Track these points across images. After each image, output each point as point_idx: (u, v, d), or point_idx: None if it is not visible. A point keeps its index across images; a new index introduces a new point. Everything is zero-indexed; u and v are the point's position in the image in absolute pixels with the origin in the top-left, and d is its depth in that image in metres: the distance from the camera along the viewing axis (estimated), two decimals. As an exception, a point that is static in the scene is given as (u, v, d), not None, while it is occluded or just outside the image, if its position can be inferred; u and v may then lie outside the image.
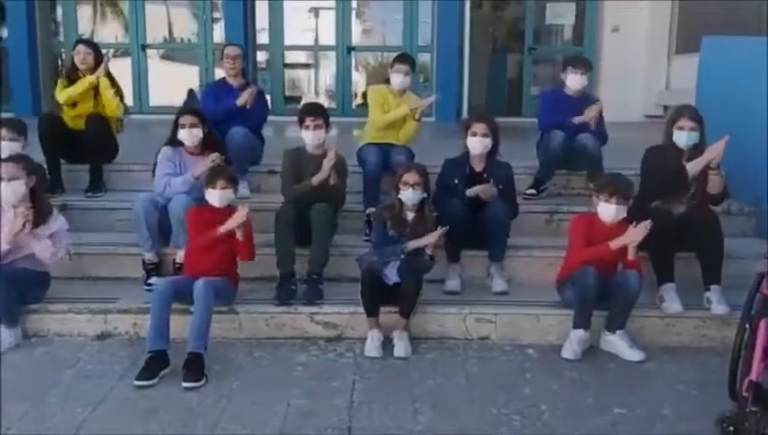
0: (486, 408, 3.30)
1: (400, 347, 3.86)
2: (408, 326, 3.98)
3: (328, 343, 4.03)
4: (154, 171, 4.60)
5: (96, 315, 4.08)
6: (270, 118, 5.82)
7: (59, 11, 10.54)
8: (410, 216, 4.15)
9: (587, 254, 3.94)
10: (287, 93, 11.08)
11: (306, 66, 12.02)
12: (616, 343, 3.92)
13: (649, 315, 4.08)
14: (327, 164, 4.36)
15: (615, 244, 3.86)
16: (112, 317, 4.08)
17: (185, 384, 3.44)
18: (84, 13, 10.78)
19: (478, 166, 4.55)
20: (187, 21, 11.14)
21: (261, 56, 10.73)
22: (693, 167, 4.23)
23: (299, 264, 4.25)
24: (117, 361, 3.77)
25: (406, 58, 5.25)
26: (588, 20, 10.39)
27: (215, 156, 4.39)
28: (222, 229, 3.93)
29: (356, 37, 10.77)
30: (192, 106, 5.66)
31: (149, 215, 4.36)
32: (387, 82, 5.23)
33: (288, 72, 11.31)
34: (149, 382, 3.46)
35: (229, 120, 5.25)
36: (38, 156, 4.74)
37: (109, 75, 5.45)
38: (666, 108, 9.14)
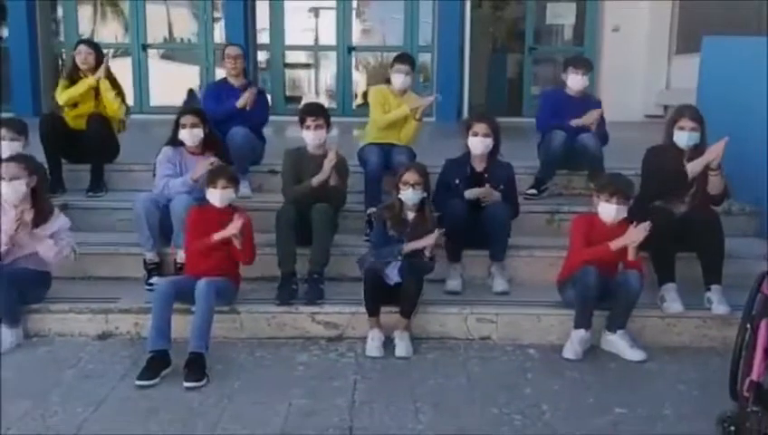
0: (487, 408, 3.31)
1: (401, 347, 3.86)
2: (410, 326, 3.98)
3: (329, 342, 4.03)
4: (155, 171, 4.60)
5: (97, 315, 4.08)
6: (270, 118, 5.82)
7: (59, 11, 10.54)
8: (411, 215, 4.15)
9: (587, 254, 3.94)
10: (288, 93, 11.08)
11: (307, 66, 12.03)
12: (617, 342, 3.92)
13: (650, 315, 4.08)
14: (327, 165, 4.37)
15: (615, 244, 3.86)
16: (113, 317, 4.08)
17: (186, 384, 3.44)
18: (85, 12, 10.79)
19: (479, 166, 4.56)
20: (187, 21, 11.15)
21: (261, 56, 10.74)
22: (693, 167, 4.23)
23: (300, 264, 4.25)
24: (118, 360, 3.77)
25: (406, 58, 5.25)
26: (588, 20, 10.41)
27: (213, 159, 4.38)
28: (216, 237, 3.92)
29: (356, 37, 10.77)
30: (193, 106, 5.67)
31: (151, 215, 4.36)
32: (387, 82, 5.23)
33: (288, 72, 11.31)
34: (151, 382, 3.46)
35: (230, 120, 5.25)
36: (39, 156, 4.73)
37: (110, 76, 5.46)
38: (666, 108, 9.16)
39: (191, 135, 4.57)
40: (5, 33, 10.22)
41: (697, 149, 4.29)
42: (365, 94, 10.60)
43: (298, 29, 11.15)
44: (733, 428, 2.84)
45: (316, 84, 11.88)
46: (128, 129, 5.71)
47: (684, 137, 4.31)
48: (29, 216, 3.99)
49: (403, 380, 3.60)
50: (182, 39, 11.43)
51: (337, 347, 3.98)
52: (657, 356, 3.90)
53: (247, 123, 5.28)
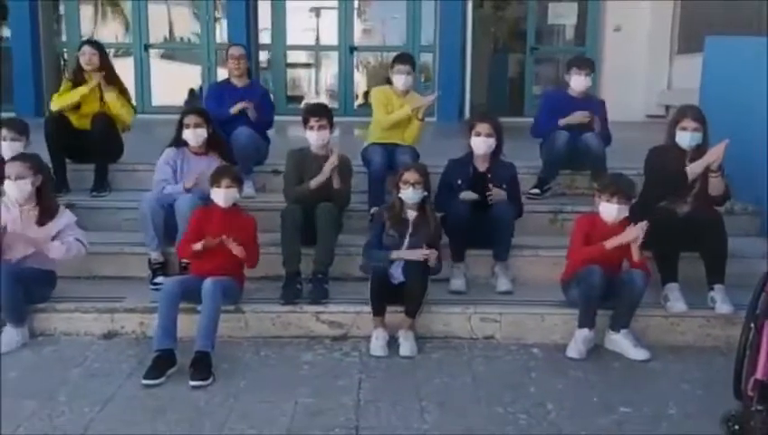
0: (493, 407, 3.32)
1: (406, 346, 3.88)
2: (414, 326, 4.00)
3: (334, 341, 4.05)
4: (157, 172, 4.63)
5: (103, 314, 4.09)
6: (270, 117, 5.83)
7: (62, 11, 10.54)
8: (412, 215, 4.16)
9: (585, 252, 3.96)
10: (289, 93, 11.10)
11: (308, 66, 12.05)
12: (620, 342, 3.93)
13: (654, 315, 4.10)
14: (327, 167, 4.38)
15: (610, 243, 3.89)
16: (119, 316, 4.10)
17: (192, 383, 3.46)
18: (87, 12, 10.79)
19: (482, 166, 4.57)
20: (189, 21, 11.16)
21: (263, 56, 10.74)
22: (693, 169, 4.24)
23: (304, 263, 4.27)
24: (124, 359, 3.78)
25: (406, 58, 5.26)
26: (590, 20, 10.42)
27: (201, 172, 4.39)
28: (197, 247, 3.94)
29: (358, 37, 10.78)
30: (196, 106, 5.68)
31: (156, 214, 4.38)
32: (388, 82, 5.24)
33: (290, 72, 11.33)
34: (157, 381, 3.48)
35: (235, 120, 5.27)
36: (43, 155, 4.74)
37: (118, 83, 5.47)
38: (667, 108, 9.17)
39: (195, 135, 4.59)
40: (7, 32, 10.22)
41: (699, 150, 4.30)
42: (366, 94, 10.64)
43: (299, 29, 11.17)
44: (737, 427, 2.86)
45: (318, 84, 11.90)
46: (131, 129, 5.71)
47: (686, 137, 4.32)
48: (33, 215, 4.01)
49: (408, 379, 3.61)
50: (182, 39, 11.44)
51: (341, 346, 3.99)
52: (661, 355, 3.91)
53: (252, 124, 5.30)
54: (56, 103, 5.36)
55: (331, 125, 4.61)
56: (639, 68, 9.86)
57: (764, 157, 4.92)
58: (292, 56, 11.32)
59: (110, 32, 11.06)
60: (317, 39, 11.61)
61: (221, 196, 4.06)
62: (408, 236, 4.14)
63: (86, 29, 10.63)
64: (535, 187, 5.24)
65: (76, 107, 5.36)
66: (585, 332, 3.89)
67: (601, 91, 8.96)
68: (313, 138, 4.53)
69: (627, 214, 4.00)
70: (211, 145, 4.70)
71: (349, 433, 3.07)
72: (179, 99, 10.70)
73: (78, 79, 5.39)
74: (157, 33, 10.71)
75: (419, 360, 3.83)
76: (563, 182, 5.41)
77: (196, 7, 10.78)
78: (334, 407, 3.29)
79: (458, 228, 4.38)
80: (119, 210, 5.02)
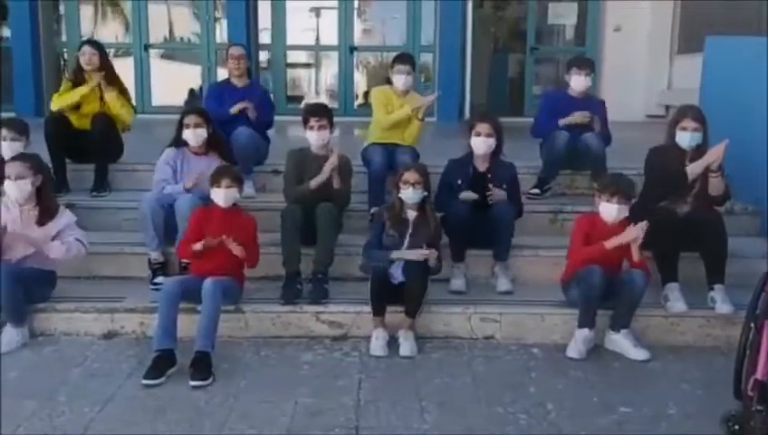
0: (493, 407, 3.32)
1: (406, 346, 3.88)
2: (414, 326, 4.00)
3: (333, 341, 4.05)
4: (158, 172, 4.63)
5: (103, 314, 4.09)
6: (270, 117, 5.83)
7: (62, 10, 10.54)
8: (412, 215, 4.17)
9: (585, 252, 3.97)
10: (289, 93, 11.10)
11: (308, 66, 12.05)
12: (620, 342, 3.93)
13: (654, 314, 4.10)
14: (327, 167, 4.38)
15: (610, 243, 3.90)
16: (119, 316, 4.10)
17: (192, 383, 3.46)
18: (87, 12, 10.79)
19: (482, 166, 4.57)
20: (189, 21, 11.16)
21: (263, 56, 10.74)
22: (693, 169, 4.24)
23: (304, 263, 4.27)
24: (124, 359, 3.78)
25: (406, 58, 5.26)
26: (590, 20, 10.42)
27: (201, 172, 4.40)
28: (197, 247, 3.94)
29: (358, 37, 10.78)
30: (196, 106, 5.69)
31: (156, 214, 4.38)
32: (388, 82, 5.24)
33: (290, 72, 11.33)
34: (157, 381, 3.48)
35: (234, 120, 5.27)
36: (43, 155, 4.74)
37: (118, 83, 5.47)
38: (667, 108, 9.17)
39: (195, 135, 4.59)
40: (7, 32, 10.22)
41: (699, 150, 4.30)
42: (366, 94, 10.65)
43: (299, 29, 11.17)
44: (737, 427, 2.87)
45: (317, 84, 11.91)
46: (130, 129, 5.71)
47: (686, 137, 4.32)
48: (33, 215, 4.02)
49: (408, 379, 3.61)
50: (182, 39, 11.44)
51: (341, 346, 3.99)
52: (661, 355, 3.91)
53: (252, 124, 5.30)
54: (56, 103, 5.36)
55: (332, 125, 4.62)
56: (639, 68, 9.86)
57: (764, 157, 4.92)
58: (292, 56, 11.32)
59: (110, 32, 11.06)
60: (317, 39, 11.61)
61: (221, 196, 4.06)
62: (408, 236, 4.14)
63: (86, 29, 10.64)
64: (535, 187, 5.24)
65: (76, 107, 5.36)
66: (585, 332, 3.89)
67: (601, 91, 8.96)
68: (313, 138, 4.53)
69: (627, 214, 4.00)
70: (211, 145, 4.70)
71: (349, 433, 3.07)
72: (179, 99, 10.70)
73: (78, 79, 5.39)
74: (157, 33, 10.71)
75: (419, 360, 3.83)
76: (563, 182, 5.41)
77: (196, 7, 10.78)
78: (334, 407, 3.29)
79: (458, 228, 4.38)
80: (119, 210, 5.02)
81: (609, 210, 3.98)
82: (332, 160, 4.39)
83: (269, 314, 4.10)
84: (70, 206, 4.46)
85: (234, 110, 5.33)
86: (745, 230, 4.95)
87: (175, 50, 11.49)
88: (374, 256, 4.14)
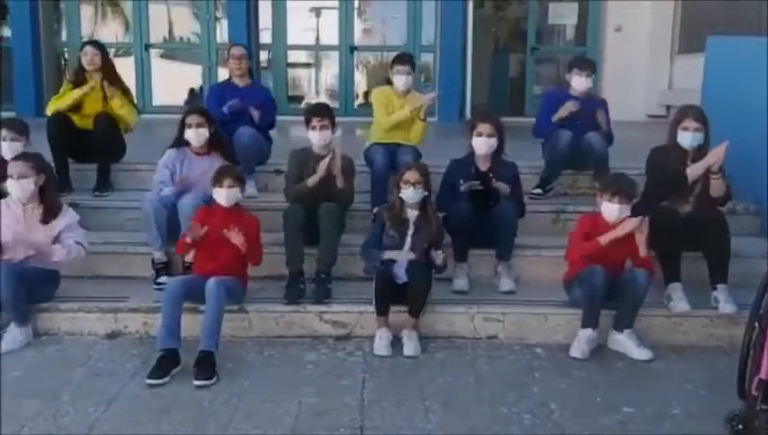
0: (496, 407, 3.32)
1: (410, 346, 3.88)
2: (418, 325, 4.00)
3: (337, 341, 4.05)
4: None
5: (106, 314, 4.10)
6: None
7: (62, 10, 10.53)
8: (413, 215, 4.17)
9: (583, 248, 3.99)
10: (290, 93, 11.11)
11: (309, 66, 12.05)
12: (624, 341, 3.94)
13: (657, 314, 4.10)
14: (322, 165, 4.38)
15: (605, 238, 3.92)
16: (122, 316, 4.10)
17: (196, 383, 3.46)
18: (87, 12, 10.78)
19: (484, 166, 4.57)
20: (189, 20, 11.16)
21: (263, 56, 10.74)
22: (694, 170, 4.25)
23: (307, 263, 4.27)
24: (128, 359, 3.79)
25: (406, 58, 5.26)
26: (591, 20, 10.43)
27: (186, 175, 4.45)
28: (188, 238, 3.95)
29: (358, 37, 10.78)
30: (198, 106, 5.69)
31: (159, 214, 4.38)
32: (389, 82, 5.24)
33: (291, 72, 11.34)
34: (161, 381, 3.48)
35: (237, 120, 5.27)
36: (45, 155, 4.74)
37: (119, 83, 5.47)
38: (668, 108, 9.17)
39: (197, 135, 4.60)
40: (8, 32, 10.21)
41: (701, 150, 4.30)
42: (366, 94, 10.65)
43: (300, 29, 11.17)
44: (741, 426, 2.85)
45: (318, 84, 11.91)
46: (133, 129, 5.71)
47: (687, 137, 4.32)
48: (37, 214, 4.02)
49: (412, 379, 3.61)
50: (182, 38, 11.43)
51: (345, 346, 4.00)
52: (664, 355, 3.91)
53: (254, 124, 5.30)
54: (51, 107, 5.36)
55: (334, 125, 4.62)
56: (640, 68, 9.85)
57: (765, 157, 4.92)
58: (293, 56, 11.32)
59: (111, 31, 11.06)
60: (317, 39, 11.62)
61: (223, 195, 4.06)
62: (409, 236, 4.15)
63: (86, 29, 10.63)
64: (537, 187, 5.24)
65: (78, 107, 5.35)
66: (588, 332, 3.89)
67: (602, 91, 8.97)
68: (315, 138, 4.53)
69: (628, 214, 4.00)
70: (213, 145, 4.70)
71: (353, 433, 3.07)
72: (180, 99, 10.71)
73: (80, 79, 5.39)
74: (157, 32, 10.70)
75: (423, 360, 3.84)
76: (565, 182, 5.42)
77: (196, 7, 10.78)
78: (338, 407, 3.29)
79: (461, 228, 4.39)
80: (121, 210, 5.02)
81: (611, 210, 3.99)
82: (326, 160, 4.38)
83: (272, 314, 4.10)
84: (73, 205, 4.45)
85: (225, 108, 5.29)
86: (747, 230, 4.95)
87: (175, 50, 11.49)
88: (369, 256, 4.16)
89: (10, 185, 4.01)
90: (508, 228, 4.43)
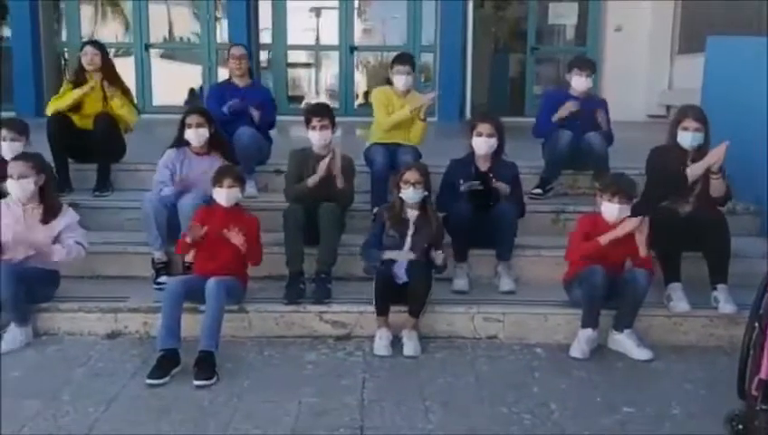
0: (497, 407, 3.32)
1: (410, 346, 3.88)
2: (418, 325, 4.00)
3: (337, 341, 4.05)
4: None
5: (106, 314, 4.10)
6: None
7: (62, 10, 10.53)
8: (413, 215, 4.17)
9: (583, 248, 3.99)
10: (290, 93, 11.11)
11: (309, 66, 12.05)
12: (624, 341, 3.94)
13: (657, 314, 4.10)
14: (322, 165, 4.38)
15: (604, 238, 3.92)
16: (122, 316, 4.10)
17: (196, 382, 3.46)
18: (87, 12, 10.78)
19: (484, 166, 4.57)
20: (189, 20, 11.16)
21: (263, 56, 10.74)
22: (693, 171, 4.25)
23: (307, 263, 4.27)
24: (128, 359, 3.79)
25: (406, 58, 5.26)
26: (591, 20, 10.43)
27: (186, 175, 4.44)
28: (188, 238, 3.94)
29: (358, 37, 10.78)
30: (198, 106, 5.69)
31: (159, 214, 4.38)
32: (389, 82, 5.24)
33: (291, 72, 11.34)
34: (161, 381, 3.48)
35: (237, 120, 5.27)
36: (45, 155, 4.74)
37: (120, 84, 5.47)
38: (668, 108, 9.17)
39: (197, 135, 4.60)
40: (8, 32, 10.21)
41: (701, 150, 4.30)
42: (366, 94, 10.65)
43: (300, 29, 11.18)
44: (741, 426, 2.85)
45: (318, 84, 11.91)
46: (133, 129, 5.71)
47: (687, 137, 4.32)
48: (37, 214, 4.02)
49: (412, 379, 3.61)
50: (182, 38, 11.43)
51: (345, 346, 4.00)
52: (664, 355, 3.91)
53: (254, 124, 5.30)
54: (51, 107, 5.36)
55: (333, 125, 4.62)
56: (640, 68, 9.85)
57: (765, 157, 4.93)
58: (293, 56, 11.32)
59: (111, 31, 11.06)
60: (317, 39, 11.62)
61: (223, 195, 4.06)
62: (409, 236, 4.15)
63: (86, 29, 10.63)
64: (537, 187, 5.25)
65: (78, 107, 5.35)
66: (588, 332, 3.89)
67: (602, 91, 8.97)
68: (316, 138, 4.53)
69: (628, 214, 4.01)
70: (213, 145, 4.70)
71: (353, 433, 3.07)
72: (180, 99, 10.71)
73: (80, 79, 5.39)
74: (157, 32, 10.70)
75: (423, 360, 3.84)
76: (565, 182, 5.42)
77: (196, 7, 10.78)
78: (338, 407, 3.29)
79: (461, 228, 4.39)
80: (121, 210, 5.02)
81: (611, 210, 3.99)
82: (326, 160, 4.38)
83: (272, 314, 4.10)
84: (73, 205, 4.46)
85: (225, 108, 5.30)
86: (747, 230, 4.95)
87: (175, 50, 11.49)
88: (369, 256, 4.16)
89: (10, 185, 4.02)
90: (508, 228, 4.43)
